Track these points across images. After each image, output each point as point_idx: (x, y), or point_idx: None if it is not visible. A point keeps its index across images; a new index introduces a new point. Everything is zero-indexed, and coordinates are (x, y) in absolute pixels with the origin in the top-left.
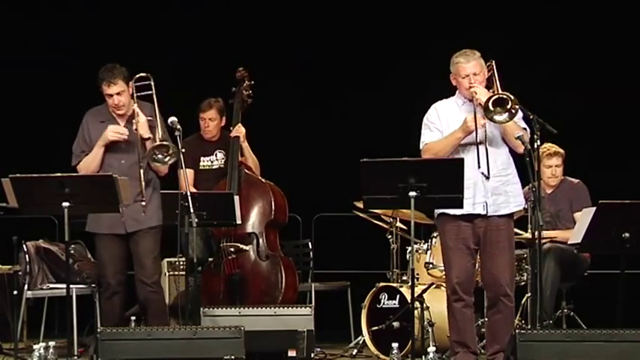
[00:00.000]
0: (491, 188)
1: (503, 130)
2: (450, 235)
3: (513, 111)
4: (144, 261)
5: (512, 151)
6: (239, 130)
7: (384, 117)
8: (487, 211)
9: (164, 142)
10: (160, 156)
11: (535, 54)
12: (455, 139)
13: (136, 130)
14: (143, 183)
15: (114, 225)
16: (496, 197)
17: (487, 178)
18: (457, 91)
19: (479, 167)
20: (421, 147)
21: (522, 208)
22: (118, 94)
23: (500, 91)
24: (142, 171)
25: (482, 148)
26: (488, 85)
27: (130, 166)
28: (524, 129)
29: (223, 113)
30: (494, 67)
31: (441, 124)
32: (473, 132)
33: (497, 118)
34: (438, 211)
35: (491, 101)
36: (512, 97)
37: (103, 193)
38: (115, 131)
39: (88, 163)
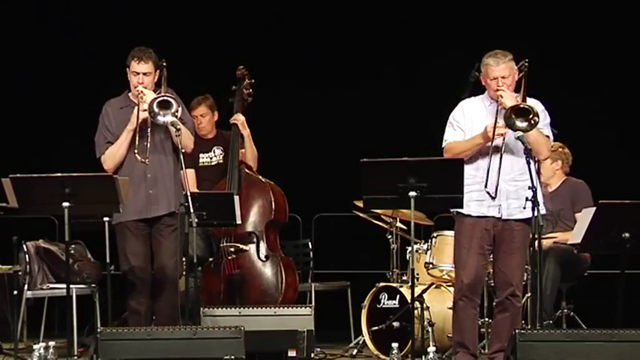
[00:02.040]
0: (507, 192)
1: (525, 136)
2: (464, 233)
3: (533, 122)
4: (165, 262)
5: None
6: (237, 118)
7: (385, 117)
8: (502, 214)
9: (165, 99)
10: (160, 117)
11: (536, 53)
12: (474, 144)
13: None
14: (160, 162)
15: (140, 210)
16: (512, 201)
17: (493, 198)
18: (486, 91)
19: (486, 186)
20: (443, 144)
21: (542, 213)
22: (144, 74)
23: (523, 102)
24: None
25: (495, 163)
26: (518, 87)
27: (155, 146)
28: (548, 137)
29: (214, 109)
30: (527, 68)
31: (465, 122)
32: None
33: (517, 124)
34: (454, 210)
35: (512, 111)
36: (533, 109)
37: (103, 193)
38: (142, 109)
39: (115, 150)
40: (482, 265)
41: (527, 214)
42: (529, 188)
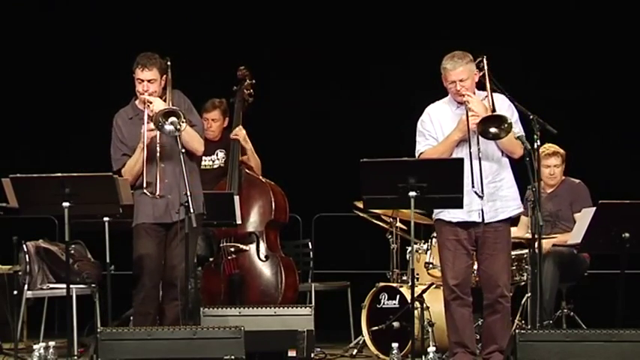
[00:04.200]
0: (487, 195)
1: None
2: (446, 235)
3: (505, 128)
4: (177, 267)
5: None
6: (238, 133)
7: (385, 117)
8: (483, 219)
9: (170, 109)
10: (167, 126)
11: (534, 53)
12: (452, 142)
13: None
14: (172, 169)
15: (161, 214)
16: (492, 203)
17: (481, 197)
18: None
19: (472, 187)
20: (416, 155)
21: (521, 211)
22: (149, 81)
23: (492, 110)
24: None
25: (475, 164)
26: (482, 84)
27: (166, 153)
28: (518, 137)
29: (226, 114)
30: (486, 64)
31: (435, 130)
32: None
33: (491, 132)
34: (435, 216)
35: (485, 122)
36: (504, 116)
37: (103, 193)
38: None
39: (132, 166)
40: (468, 264)
41: (510, 212)
42: (529, 188)
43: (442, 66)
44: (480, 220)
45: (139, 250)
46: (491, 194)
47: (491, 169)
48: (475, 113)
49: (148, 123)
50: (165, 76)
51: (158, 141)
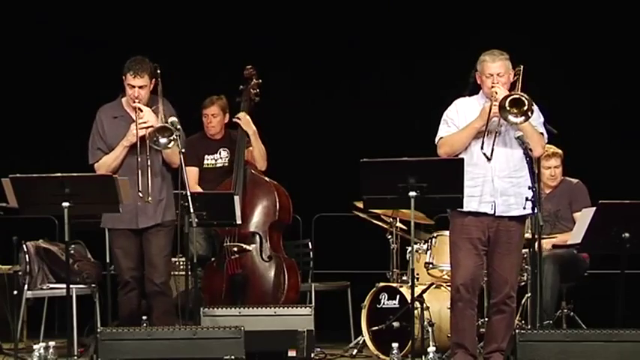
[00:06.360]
0: (502, 189)
1: (521, 129)
2: (459, 234)
3: (530, 113)
4: (154, 260)
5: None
6: (240, 117)
7: (385, 117)
8: (495, 211)
9: (165, 125)
10: (162, 140)
11: (534, 53)
12: (472, 128)
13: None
14: (151, 177)
15: (128, 220)
16: (506, 198)
17: (489, 160)
18: (481, 91)
19: (482, 148)
20: (436, 141)
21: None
22: (140, 87)
23: (518, 92)
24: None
25: (491, 135)
26: (511, 90)
27: (146, 161)
28: (542, 134)
29: (226, 110)
30: (521, 73)
31: (459, 120)
32: (490, 120)
33: (511, 118)
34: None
35: (508, 100)
36: (529, 99)
37: (103, 193)
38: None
39: (110, 162)
40: (479, 265)
41: (523, 211)
42: (529, 188)
43: (480, 60)
44: (492, 212)
45: (116, 252)
46: (507, 189)
47: (511, 164)
48: (497, 98)
49: (136, 126)
50: (154, 79)
51: (139, 150)
